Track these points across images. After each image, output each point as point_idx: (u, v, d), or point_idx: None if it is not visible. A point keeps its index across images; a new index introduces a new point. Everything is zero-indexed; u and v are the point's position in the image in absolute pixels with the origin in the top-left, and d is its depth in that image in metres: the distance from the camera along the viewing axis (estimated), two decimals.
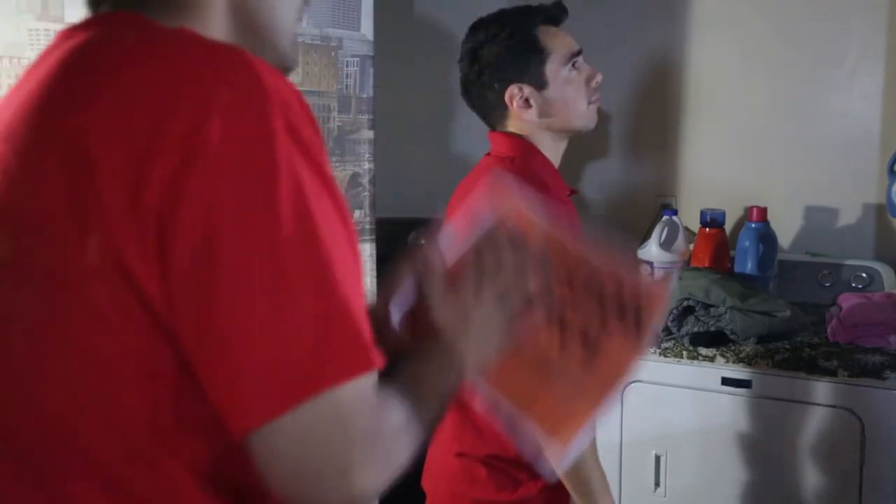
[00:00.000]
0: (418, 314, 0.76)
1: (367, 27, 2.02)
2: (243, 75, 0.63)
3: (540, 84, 1.45)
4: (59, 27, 1.52)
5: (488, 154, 1.54)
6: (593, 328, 0.79)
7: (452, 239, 0.79)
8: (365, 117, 2.03)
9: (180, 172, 0.59)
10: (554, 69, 1.45)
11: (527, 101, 1.45)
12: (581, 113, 1.46)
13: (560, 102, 1.45)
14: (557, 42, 1.46)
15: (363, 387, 0.62)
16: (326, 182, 0.64)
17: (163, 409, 0.63)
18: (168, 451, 0.64)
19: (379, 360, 0.63)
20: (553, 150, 1.49)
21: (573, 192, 1.52)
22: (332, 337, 0.61)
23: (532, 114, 1.45)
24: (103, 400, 0.64)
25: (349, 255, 0.64)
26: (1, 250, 0.66)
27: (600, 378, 0.79)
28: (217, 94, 0.62)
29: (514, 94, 1.45)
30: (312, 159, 0.64)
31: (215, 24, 0.74)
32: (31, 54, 1.49)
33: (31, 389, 0.65)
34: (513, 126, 1.50)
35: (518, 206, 0.81)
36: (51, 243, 0.63)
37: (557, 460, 0.80)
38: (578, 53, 1.48)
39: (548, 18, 1.48)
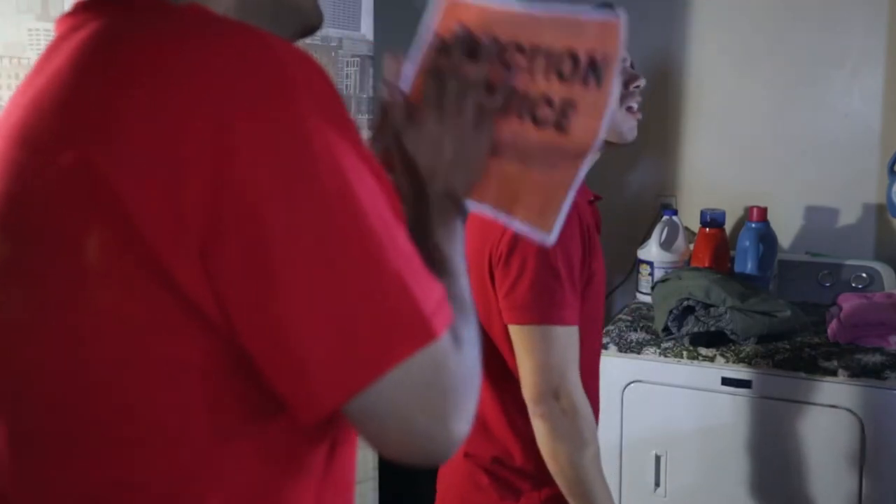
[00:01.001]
0: (394, 156, 0.73)
1: (367, 27, 2.02)
2: (264, 62, 0.60)
3: None
4: None
5: None
6: (555, 91, 0.75)
7: (408, 72, 0.76)
8: (365, 117, 2.03)
9: (217, 174, 0.58)
10: None
11: None
12: (615, 119, 1.42)
13: None
14: None
15: (442, 346, 0.63)
16: (363, 154, 0.63)
17: (223, 405, 0.63)
18: (233, 444, 0.64)
19: (445, 322, 0.64)
20: None
21: (597, 197, 1.50)
22: (394, 312, 0.61)
23: None
24: (149, 407, 0.63)
25: (394, 223, 0.64)
26: (26, 256, 0.64)
27: (574, 147, 0.76)
28: (240, 89, 0.59)
29: None
30: (346, 135, 0.62)
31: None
32: (31, 54, 1.49)
33: (70, 397, 0.64)
34: None
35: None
36: (77, 250, 0.61)
37: (546, 240, 0.80)
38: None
39: None
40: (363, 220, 0.60)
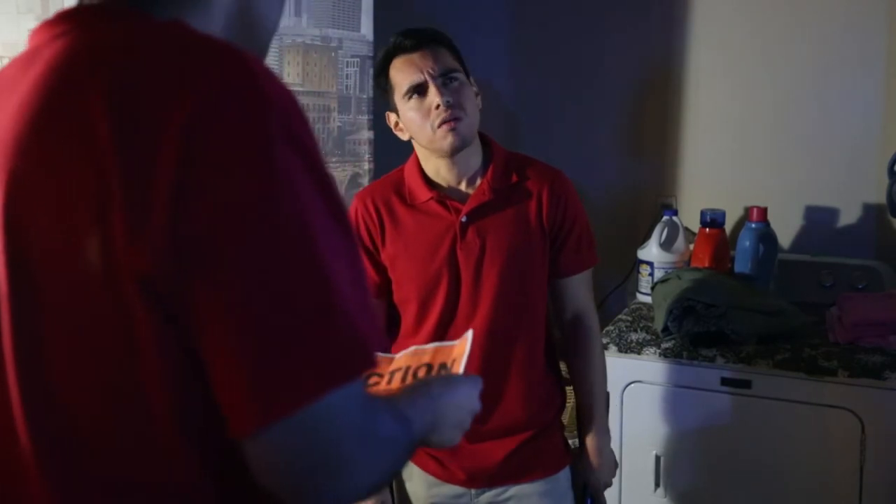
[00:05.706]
0: None
1: (367, 27, 2.02)
2: (244, 80, 0.63)
3: (398, 112, 1.57)
4: None
5: None
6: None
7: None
8: (365, 117, 2.03)
9: (182, 178, 0.59)
10: (400, 101, 1.55)
11: (397, 125, 1.59)
12: (429, 138, 1.54)
13: (412, 128, 1.56)
14: (400, 76, 1.54)
15: (356, 389, 0.64)
16: (326, 187, 0.65)
17: (192, 411, 0.64)
18: (194, 451, 0.65)
19: (371, 362, 0.64)
20: (432, 165, 1.59)
21: (433, 197, 1.57)
22: (330, 344, 0.62)
23: (406, 135, 1.59)
24: (129, 405, 0.64)
25: (344, 256, 0.65)
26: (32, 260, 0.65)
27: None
28: (218, 99, 0.61)
29: (390, 120, 1.60)
30: (311, 164, 0.64)
31: (216, 18, 0.74)
32: None
33: (66, 396, 0.66)
34: None
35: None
36: (68, 249, 0.63)
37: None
38: (417, 87, 1.53)
39: (397, 50, 1.56)
40: (315, 250, 0.62)
